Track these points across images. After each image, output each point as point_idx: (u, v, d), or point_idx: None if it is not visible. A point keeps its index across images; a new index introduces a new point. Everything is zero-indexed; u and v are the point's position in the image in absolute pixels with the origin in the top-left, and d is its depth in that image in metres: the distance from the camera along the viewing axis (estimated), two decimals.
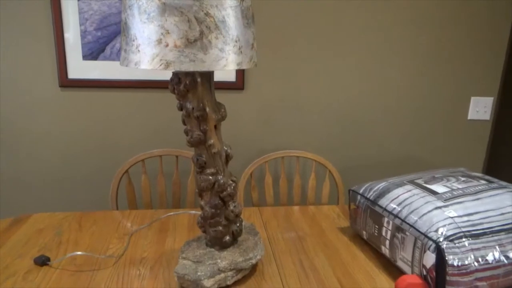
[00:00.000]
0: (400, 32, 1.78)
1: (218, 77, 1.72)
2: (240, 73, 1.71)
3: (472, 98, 1.90)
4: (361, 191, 1.17)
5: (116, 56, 1.66)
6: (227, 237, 0.99)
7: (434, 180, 1.09)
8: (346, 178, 1.97)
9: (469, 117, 1.93)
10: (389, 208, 1.03)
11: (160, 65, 0.73)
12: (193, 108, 0.87)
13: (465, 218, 0.90)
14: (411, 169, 1.99)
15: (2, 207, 1.80)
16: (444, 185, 1.04)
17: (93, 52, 1.65)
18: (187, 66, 0.73)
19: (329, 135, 1.88)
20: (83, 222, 1.26)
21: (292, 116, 1.83)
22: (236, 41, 0.77)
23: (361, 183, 1.98)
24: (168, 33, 0.72)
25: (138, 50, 0.74)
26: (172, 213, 1.33)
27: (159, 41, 0.72)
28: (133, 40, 0.75)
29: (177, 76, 0.85)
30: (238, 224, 1.01)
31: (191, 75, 0.84)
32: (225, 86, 1.73)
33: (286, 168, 1.89)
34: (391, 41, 1.79)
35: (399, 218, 0.99)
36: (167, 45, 0.72)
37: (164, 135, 1.79)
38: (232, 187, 0.97)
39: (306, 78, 1.79)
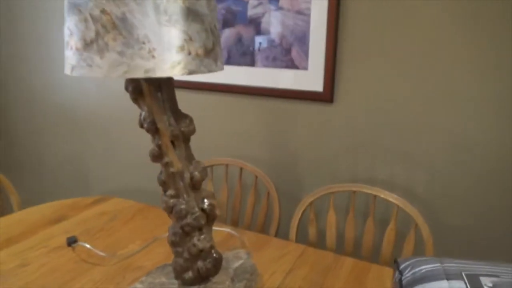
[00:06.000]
0: None
1: (300, 84, 1.45)
2: (329, 81, 1.38)
3: None
4: (401, 267, 0.79)
5: None
6: (190, 273, 0.84)
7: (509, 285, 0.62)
8: (439, 237, 1.34)
9: None
10: None
11: (68, 69, 0.67)
12: (144, 119, 0.77)
13: None
14: None
15: None
16: None
17: None
18: (85, 72, 0.64)
19: (438, 172, 1.33)
20: None
21: (392, 141, 1.37)
22: (143, 43, 0.62)
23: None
24: (72, 34, 0.65)
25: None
26: None
27: (67, 43, 0.66)
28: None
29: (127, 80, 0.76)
30: (208, 261, 0.85)
31: (135, 81, 0.74)
32: (308, 96, 1.44)
33: (357, 206, 1.47)
34: None
35: None
36: (71, 48, 0.65)
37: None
38: (194, 217, 0.81)
39: (418, 92, 1.29)
